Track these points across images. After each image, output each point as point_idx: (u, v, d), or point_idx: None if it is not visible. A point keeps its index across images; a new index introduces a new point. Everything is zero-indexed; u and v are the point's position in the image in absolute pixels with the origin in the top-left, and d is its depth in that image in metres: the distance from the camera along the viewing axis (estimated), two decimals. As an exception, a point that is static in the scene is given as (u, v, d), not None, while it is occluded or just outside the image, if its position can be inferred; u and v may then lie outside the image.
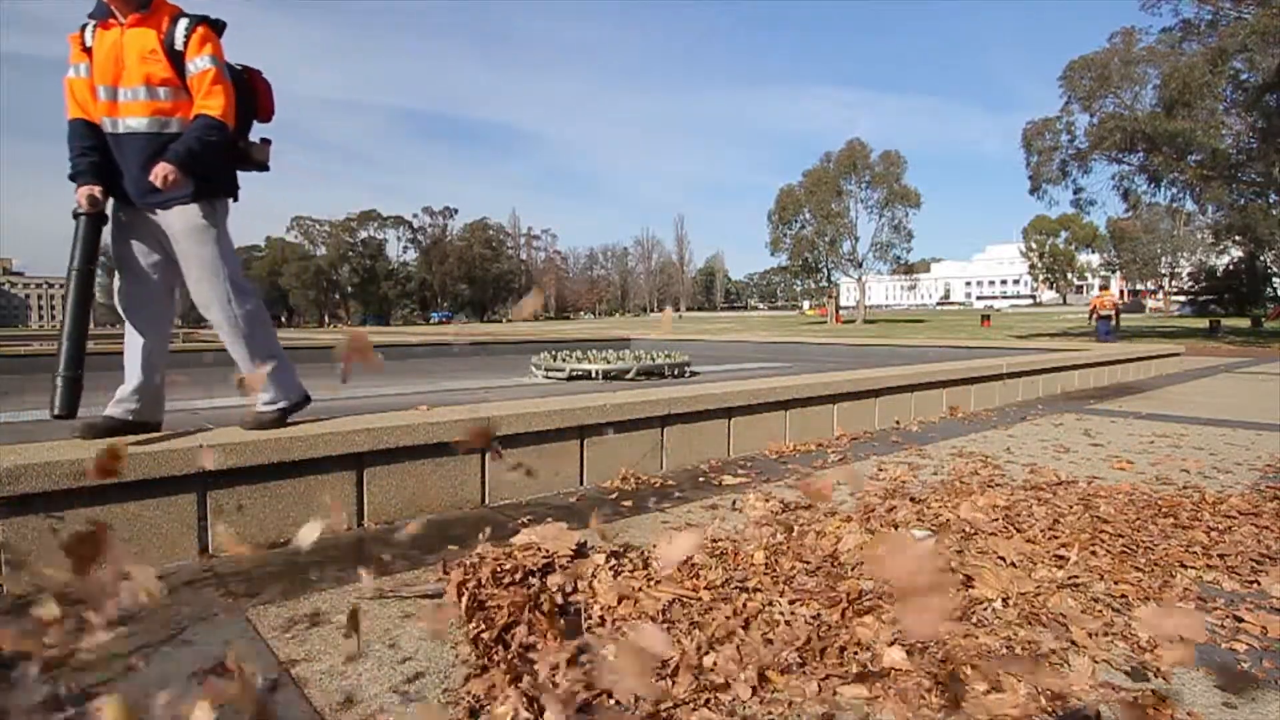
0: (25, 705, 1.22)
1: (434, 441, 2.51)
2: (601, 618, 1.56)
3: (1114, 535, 2.15)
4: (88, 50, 2.25)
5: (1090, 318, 16.20)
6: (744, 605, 1.60)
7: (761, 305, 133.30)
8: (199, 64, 2.26)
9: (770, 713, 1.23)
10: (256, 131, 2.60)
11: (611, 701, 1.22)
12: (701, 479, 3.09)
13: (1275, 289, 43.79)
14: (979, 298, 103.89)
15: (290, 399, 2.46)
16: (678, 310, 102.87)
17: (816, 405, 4.10)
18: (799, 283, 74.74)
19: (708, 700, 1.25)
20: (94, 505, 1.90)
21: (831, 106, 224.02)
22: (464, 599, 1.59)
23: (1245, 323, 29.42)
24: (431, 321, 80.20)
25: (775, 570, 1.83)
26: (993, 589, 1.72)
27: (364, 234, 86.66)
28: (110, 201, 2.32)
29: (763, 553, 1.93)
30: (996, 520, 2.28)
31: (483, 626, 1.48)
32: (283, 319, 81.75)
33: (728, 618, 1.54)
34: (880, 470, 3.19)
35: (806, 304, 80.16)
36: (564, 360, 6.58)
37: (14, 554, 1.81)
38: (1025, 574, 1.83)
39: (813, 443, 3.92)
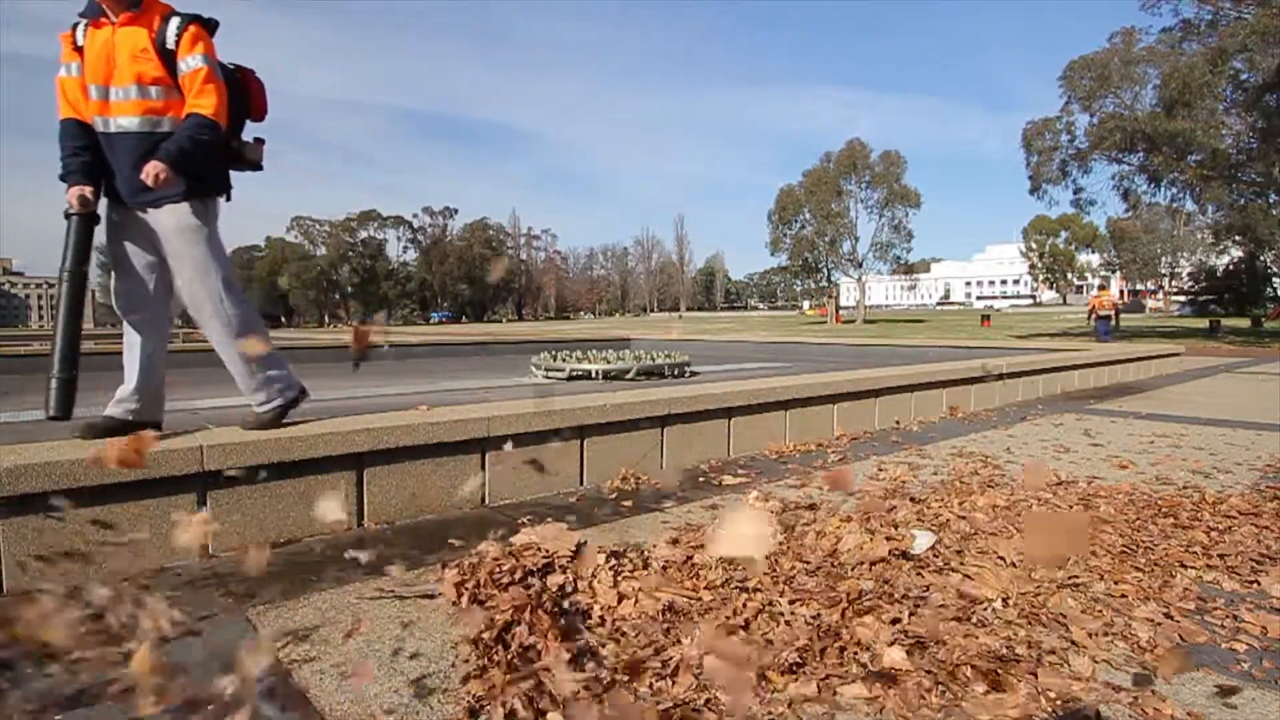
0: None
1: (434, 441, 2.51)
2: (601, 618, 1.56)
3: (1114, 535, 2.15)
4: (79, 49, 2.24)
5: (1089, 318, 16.20)
6: (744, 605, 1.60)
7: (761, 305, 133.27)
8: (191, 63, 2.25)
9: (770, 713, 1.23)
10: (250, 131, 2.59)
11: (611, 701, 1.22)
12: (701, 479, 3.09)
13: (1275, 289, 43.80)
14: (979, 298, 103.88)
15: (286, 396, 2.46)
16: (678, 310, 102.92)
17: (816, 405, 4.10)
18: (799, 283, 74.73)
19: (708, 700, 1.25)
20: (94, 505, 1.90)
21: (831, 106, 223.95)
22: (464, 599, 1.59)
23: (1245, 323, 29.41)
24: (431, 321, 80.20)
25: (775, 570, 1.83)
26: (993, 589, 1.72)
27: (364, 234, 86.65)
28: (104, 202, 2.32)
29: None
30: (996, 520, 2.28)
31: (483, 626, 1.48)
32: (283, 319, 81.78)
33: (728, 618, 1.54)
34: (880, 470, 3.19)
35: (806, 304, 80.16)
36: (564, 360, 6.58)
37: (14, 554, 1.81)
38: (1025, 574, 1.83)
39: (813, 443, 3.92)
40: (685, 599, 1.64)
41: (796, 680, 1.32)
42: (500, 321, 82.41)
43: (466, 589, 1.63)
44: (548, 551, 1.79)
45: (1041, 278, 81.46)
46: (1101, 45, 22.91)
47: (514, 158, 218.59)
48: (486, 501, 2.68)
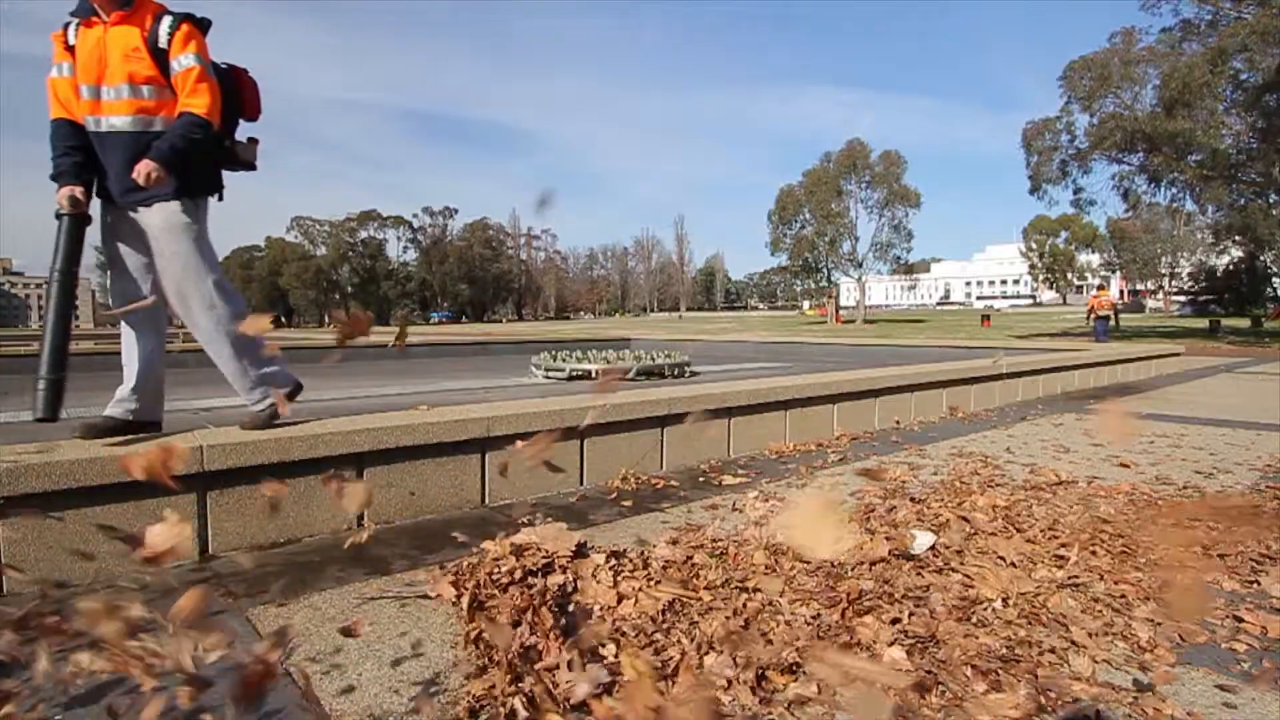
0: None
1: (434, 441, 2.51)
2: (601, 618, 1.56)
3: (1114, 535, 2.15)
4: (71, 49, 2.23)
5: (1088, 318, 16.21)
6: (744, 605, 1.60)
7: (761, 305, 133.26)
8: (183, 62, 2.24)
9: (770, 713, 1.23)
10: (244, 131, 2.59)
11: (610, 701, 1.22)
12: (701, 479, 3.09)
13: (1275, 289, 43.76)
14: (979, 298, 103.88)
15: (281, 392, 2.45)
16: (678, 310, 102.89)
17: (816, 405, 4.10)
18: (799, 283, 74.77)
19: (707, 700, 1.25)
20: (94, 505, 1.91)
21: (831, 106, 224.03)
22: (464, 599, 1.59)
23: (1245, 323, 29.42)
24: (432, 321, 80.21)
25: (775, 570, 1.83)
26: (993, 589, 1.72)
27: (364, 234, 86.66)
28: (99, 203, 2.31)
29: (763, 553, 1.93)
30: (996, 520, 2.28)
31: (483, 626, 1.48)
32: (282, 319, 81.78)
33: (728, 618, 1.54)
34: (880, 470, 3.19)
35: (806, 304, 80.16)
36: (564, 360, 6.59)
37: (13, 554, 1.81)
38: (1025, 574, 1.83)
39: (813, 443, 3.92)
40: (685, 599, 1.64)
41: (796, 680, 1.32)
42: (500, 321, 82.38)
43: (466, 589, 1.63)
44: (548, 551, 1.79)
45: (1041, 278, 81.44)
46: (1101, 45, 22.94)
47: (514, 157, 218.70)
48: (486, 501, 2.68)
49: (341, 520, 2.34)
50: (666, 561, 1.86)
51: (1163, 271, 63.54)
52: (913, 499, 2.59)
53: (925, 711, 1.23)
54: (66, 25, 2.25)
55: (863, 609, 1.60)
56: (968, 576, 1.80)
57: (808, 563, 1.88)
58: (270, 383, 2.43)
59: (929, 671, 1.35)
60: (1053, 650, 1.45)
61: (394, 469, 2.45)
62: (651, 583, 1.70)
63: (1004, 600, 1.68)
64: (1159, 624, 1.59)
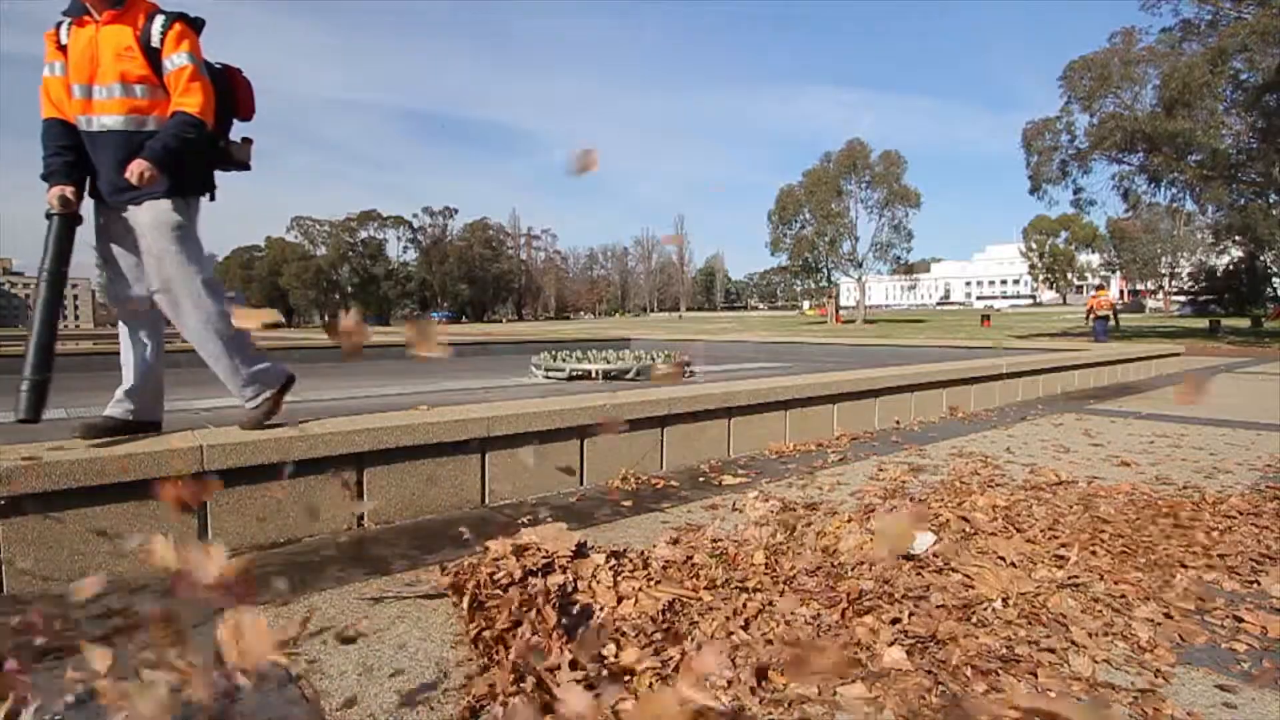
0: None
1: (434, 441, 2.51)
2: (600, 618, 1.56)
3: (1114, 535, 2.15)
4: (63, 48, 2.22)
5: (1087, 318, 16.22)
6: (744, 605, 1.60)
7: (761, 305, 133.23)
8: (176, 61, 2.24)
9: (770, 713, 1.23)
10: (238, 130, 2.58)
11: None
12: (701, 479, 3.09)
13: (1275, 289, 43.77)
14: (979, 298, 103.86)
15: (274, 387, 2.45)
16: (678, 310, 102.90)
17: (816, 405, 4.10)
18: (799, 283, 74.75)
19: (707, 700, 1.25)
20: (94, 505, 1.91)
21: (831, 106, 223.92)
22: (464, 599, 1.59)
23: (1245, 323, 29.42)
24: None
25: (775, 570, 1.83)
26: (993, 589, 1.72)
27: (364, 234, 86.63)
28: (92, 204, 2.31)
29: (763, 553, 1.93)
30: (996, 520, 2.28)
31: (483, 626, 1.48)
32: (283, 319, 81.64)
33: (728, 618, 1.54)
34: (880, 470, 3.19)
35: (806, 304, 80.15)
36: (564, 360, 6.59)
37: (13, 554, 1.81)
38: (1025, 574, 1.83)
39: (813, 443, 3.92)
40: (685, 599, 1.64)
41: (796, 680, 1.32)
42: (500, 321, 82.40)
43: (467, 589, 1.63)
44: (548, 551, 1.79)
45: (1041, 278, 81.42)
46: (1101, 45, 22.93)
47: (514, 157, 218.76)
48: (486, 501, 2.68)
49: (342, 520, 2.34)
50: (666, 561, 1.86)
51: (1163, 271, 63.55)
52: (913, 499, 2.59)
53: (925, 711, 1.23)
54: (59, 25, 2.24)
55: (863, 609, 1.60)
56: (968, 576, 1.80)
57: (808, 563, 1.88)
58: (262, 380, 2.42)
59: (929, 671, 1.35)
60: (1053, 650, 1.45)
61: (394, 469, 2.45)
62: (651, 583, 1.70)
63: (1004, 600, 1.68)
64: (1159, 624, 1.59)
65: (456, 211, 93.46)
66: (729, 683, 1.30)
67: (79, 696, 1.26)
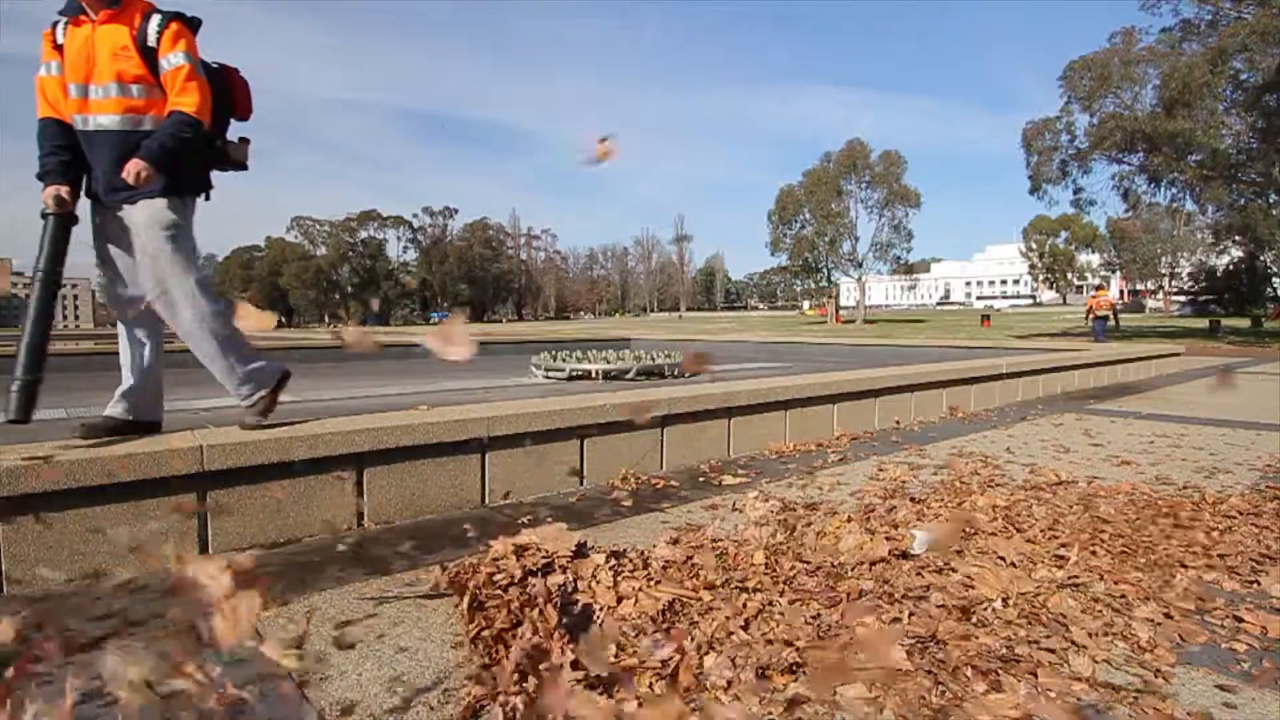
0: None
1: (434, 441, 2.51)
2: (601, 618, 1.56)
3: (1114, 535, 2.15)
4: (59, 48, 2.22)
5: (1087, 318, 16.24)
6: (744, 605, 1.60)
7: (761, 305, 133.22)
8: (172, 60, 2.23)
9: (770, 713, 1.23)
10: (235, 130, 2.58)
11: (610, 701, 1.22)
12: (701, 479, 3.09)
13: (1275, 289, 43.76)
14: (979, 298, 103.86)
15: (269, 384, 2.44)
16: (678, 310, 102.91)
17: (816, 405, 4.10)
18: (799, 283, 74.78)
19: (708, 700, 1.25)
20: (94, 505, 1.91)
21: (831, 106, 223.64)
22: (464, 599, 1.59)
23: (1245, 323, 29.41)
24: (431, 321, 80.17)
25: (775, 570, 1.83)
26: (993, 589, 1.72)
27: (364, 234, 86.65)
28: (89, 204, 2.30)
29: (763, 553, 1.93)
30: (996, 520, 2.28)
31: (483, 626, 1.48)
32: (283, 319, 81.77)
33: (728, 618, 1.54)
34: (880, 470, 3.19)
35: (806, 304, 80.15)
36: (564, 360, 6.59)
37: (14, 554, 1.81)
38: (1025, 574, 1.83)
39: (813, 443, 3.92)
40: (685, 599, 1.64)
41: (796, 680, 1.32)
42: (500, 321, 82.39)
43: (467, 589, 1.63)
44: (548, 551, 1.79)
45: (1041, 278, 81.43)
46: (1101, 45, 22.95)
47: (514, 157, 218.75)
48: (486, 501, 2.68)
49: (342, 520, 2.34)
50: (666, 561, 1.86)
51: (1163, 271, 63.55)
52: (913, 499, 2.59)
53: (925, 711, 1.23)
54: (55, 24, 2.24)
55: (863, 609, 1.60)
56: (968, 576, 1.80)
57: (807, 563, 1.88)
58: (257, 378, 2.42)
59: (929, 671, 1.35)
60: (1053, 650, 1.45)
61: (394, 469, 2.45)
62: (651, 583, 1.70)
63: (1004, 600, 1.68)
64: (1159, 624, 1.59)
65: (456, 211, 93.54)
66: (729, 683, 1.30)
67: (80, 696, 1.26)
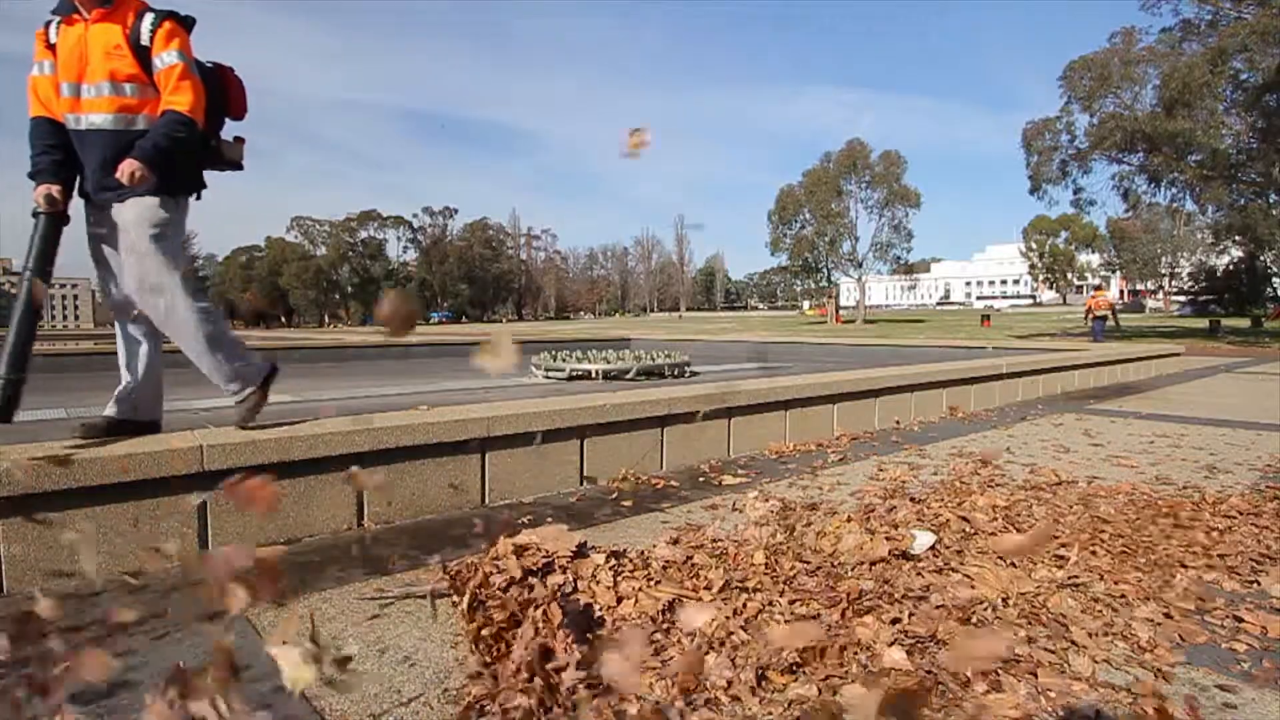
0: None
1: (434, 441, 2.51)
2: (601, 618, 1.56)
3: (1114, 535, 2.15)
4: (52, 47, 2.21)
5: (1086, 318, 16.24)
6: (744, 605, 1.60)
7: (761, 305, 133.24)
8: (166, 59, 2.22)
9: (770, 713, 1.23)
10: (230, 130, 2.58)
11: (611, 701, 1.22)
12: (701, 479, 3.09)
13: (1275, 289, 43.79)
14: (979, 298, 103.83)
15: (256, 382, 2.44)
16: (678, 310, 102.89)
17: (816, 405, 4.10)
18: (799, 283, 74.86)
19: (708, 700, 1.25)
20: (93, 505, 1.90)
21: (831, 106, 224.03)
22: (464, 599, 1.59)
23: (1245, 323, 29.41)
24: (431, 321, 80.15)
25: (775, 570, 1.83)
26: (993, 589, 1.72)
27: (364, 234, 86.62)
28: (83, 204, 2.30)
29: (763, 553, 1.93)
30: (996, 520, 2.28)
31: (483, 625, 1.48)
32: (283, 319, 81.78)
33: (728, 618, 1.54)
34: (880, 470, 3.19)
35: (806, 304, 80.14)
36: (564, 360, 6.59)
37: (13, 554, 1.81)
38: (1025, 574, 1.83)
39: (813, 443, 3.92)
40: (685, 599, 1.64)
41: (796, 680, 1.32)
42: (500, 321, 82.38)
43: (467, 589, 1.63)
44: (548, 551, 1.79)
45: (1041, 278, 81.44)
46: (1101, 45, 22.94)
47: (514, 157, 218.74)
48: (486, 501, 2.68)
49: (342, 520, 2.34)
50: (666, 561, 1.86)
51: (1163, 271, 63.55)
52: (913, 499, 2.59)
53: (925, 711, 1.23)
54: (48, 23, 2.23)
55: (863, 609, 1.60)
56: (968, 576, 1.80)
57: (807, 563, 1.88)
58: (245, 375, 2.41)
59: (929, 671, 1.35)
60: (1053, 650, 1.45)
61: (394, 469, 2.45)
62: (651, 583, 1.70)
63: (1004, 600, 1.68)
64: (1159, 624, 1.59)
65: (456, 211, 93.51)
66: (729, 683, 1.30)
67: (79, 696, 1.26)
